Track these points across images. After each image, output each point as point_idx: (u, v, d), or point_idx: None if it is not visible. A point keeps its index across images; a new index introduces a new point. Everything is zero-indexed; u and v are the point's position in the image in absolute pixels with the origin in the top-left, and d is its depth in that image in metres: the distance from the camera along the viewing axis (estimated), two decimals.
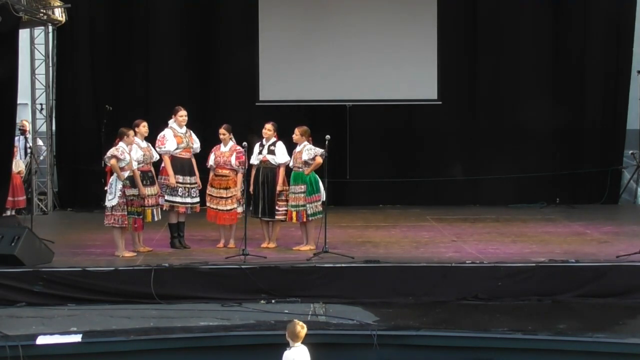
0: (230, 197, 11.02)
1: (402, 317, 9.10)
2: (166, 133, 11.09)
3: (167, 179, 10.94)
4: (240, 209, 11.05)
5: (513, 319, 9.01)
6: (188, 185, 11.04)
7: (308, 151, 10.85)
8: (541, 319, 9.03)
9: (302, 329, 7.19)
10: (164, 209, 10.95)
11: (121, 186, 10.37)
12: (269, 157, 11.02)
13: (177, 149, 11.03)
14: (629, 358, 8.21)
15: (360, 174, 15.56)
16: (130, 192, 10.41)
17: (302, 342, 7.20)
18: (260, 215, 11.12)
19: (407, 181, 15.59)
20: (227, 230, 11.23)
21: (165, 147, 10.97)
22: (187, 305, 9.43)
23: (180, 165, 11.03)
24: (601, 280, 9.78)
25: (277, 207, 11.02)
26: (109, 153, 10.49)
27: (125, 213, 10.36)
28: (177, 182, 10.94)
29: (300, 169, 10.89)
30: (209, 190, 11.13)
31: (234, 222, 11.05)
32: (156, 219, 10.82)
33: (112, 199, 10.39)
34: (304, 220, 10.85)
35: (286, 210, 10.97)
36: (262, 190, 11.04)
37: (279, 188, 11.01)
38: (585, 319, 9.06)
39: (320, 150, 10.80)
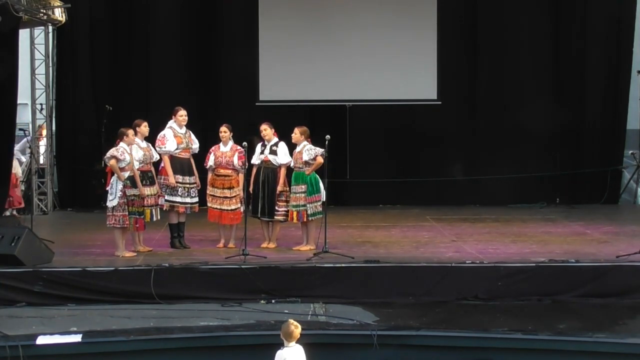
0: (235, 196, 11.03)
1: (402, 317, 9.09)
2: (166, 133, 11.08)
3: (167, 179, 10.94)
4: (242, 209, 11.05)
5: (513, 319, 9.00)
6: (187, 185, 11.04)
7: (308, 151, 10.85)
8: (541, 319, 9.02)
9: (295, 328, 7.17)
10: (163, 209, 10.96)
11: (122, 186, 10.36)
12: (271, 157, 11.02)
13: (177, 149, 11.03)
14: (629, 358, 8.20)
15: (360, 174, 15.54)
16: (131, 192, 10.40)
17: (299, 342, 7.19)
18: (259, 215, 11.12)
19: (407, 181, 15.58)
20: (227, 230, 11.23)
21: (165, 147, 10.97)
22: (187, 305, 9.42)
23: (180, 165, 11.03)
24: (601, 280, 9.77)
25: (277, 207, 11.02)
26: (108, 153, 10.47)
27: (127, 213, 10.36)
28: (177, 182, 10.95)
29: (301, 169, 10.89)
30: (211, 190, 11.11)
31: (237, 222, 11.04)
32: (155, 219, 10.81)
33: (112, 200, 10.38)
34: (304, 220, 10.86)
35: (286, 211, 10.98)
36: (262, 190, 11.04)
37: (279, 188, 11.01)
38: (585, 319, 9.05)
39: (320, 150, 10.80)
